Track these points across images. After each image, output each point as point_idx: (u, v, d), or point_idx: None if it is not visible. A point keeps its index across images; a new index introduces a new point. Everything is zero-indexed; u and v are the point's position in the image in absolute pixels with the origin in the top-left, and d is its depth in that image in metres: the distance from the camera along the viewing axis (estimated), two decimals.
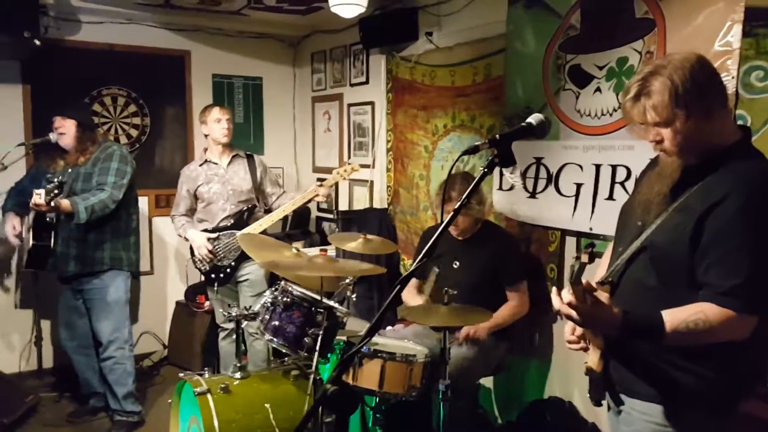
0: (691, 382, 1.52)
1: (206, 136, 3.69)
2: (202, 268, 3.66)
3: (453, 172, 2.85)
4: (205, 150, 3.75)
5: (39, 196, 2.98)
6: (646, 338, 1.51)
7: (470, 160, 3.43)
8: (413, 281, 3.12)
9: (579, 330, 1.69)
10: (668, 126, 1.49)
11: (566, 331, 1.72)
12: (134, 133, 4.60)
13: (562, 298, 1.48)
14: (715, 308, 1.44)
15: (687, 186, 1.53)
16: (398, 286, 1.45)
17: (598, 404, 1.73)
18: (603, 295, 1.52)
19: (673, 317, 1.45)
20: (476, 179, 1.49)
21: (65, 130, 3.38)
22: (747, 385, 1.60)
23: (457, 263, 2.96)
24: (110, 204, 3.26)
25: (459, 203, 1.48)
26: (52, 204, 2.99)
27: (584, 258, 1.42)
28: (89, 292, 3.42)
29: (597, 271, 1.81)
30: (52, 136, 3.44)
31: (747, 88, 2.21)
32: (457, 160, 1.66)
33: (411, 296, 3.08)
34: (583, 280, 1.48)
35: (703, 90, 1.47)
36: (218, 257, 3.59)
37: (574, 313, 1.46)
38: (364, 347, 2.41)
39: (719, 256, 1.45)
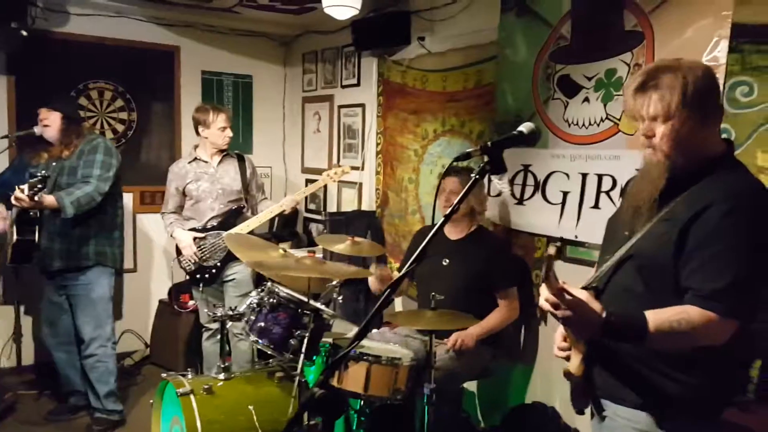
0: (675, 390, 1.54)
1: (201, 135, 3.64)
2: (188, 267, 3.63)
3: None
4: (195, 147, 3.73)
5: (21, 191, 2.93)
6: (629, 338, 1.51)
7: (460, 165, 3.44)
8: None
9: (565, 343, 1.70)
10: (666, 121, 1.51)
11: (556, 338, 1.74)
12: (120, 128, 4.56)
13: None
14: (697, 310, 1.46)
15: (673, 195, 1.56)
16: (387, 291, 1.46)
17: (581, 412, 1.75)
18: (582, 294, 1.53)
19: (656, 317, 1.47)
20: (468, 185, 1.50)
21: (50, 123, 3.33)
22: (731, 392, 1.63)
23: (447, 261, 2.97)
24: (97, 197, 3.22)
25: (452, 207, 1.49)
26: (36, 199, 2.95)
27: (551, 251, 1.42)
28: (73, 288, 3.38)
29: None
30: (37, 129, 3.40)
31: (732, 103, 2.25)
32: (449, 166, 1.67)
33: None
34: (560, 280, 1.49)
35: (706, 97, 1.51)
36: (204, 258, 3.57)
37: (553, 309, 1.48)
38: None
39: (702, 260, 1.47)
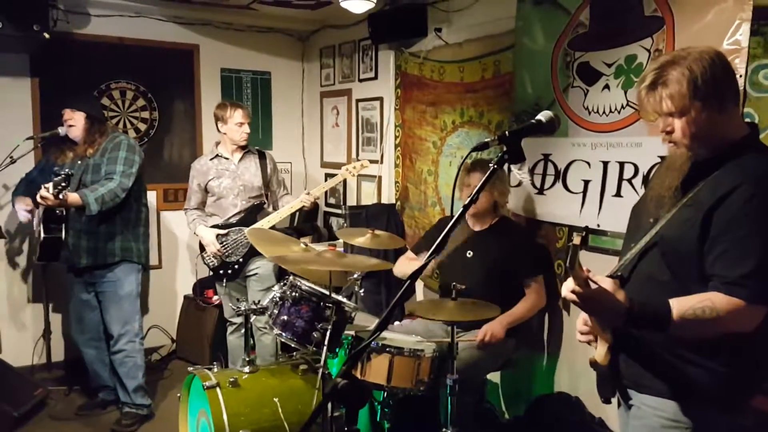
0: (702, 378, 1.53)
1: (222, 132, 3.69)
2: (211, 264, 3.69)
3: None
4: (217, 144, 3.77)
5: (46, 190, 2.99)
6: (652, 326, 1.51)
7: (479, 156, 3.43)
8: (409, 254, 3.27)
9: (588, 323, 1.70)
10: (682, 116, 1.50)
11: (578, 322, 1.73)
12: (143, 127, 4.62)
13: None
14: (722, 297, 1.44)
15: (697, 181, 1.55)
16: (408, 281, 1.47)
17: (607, 401, 1.74)
18: (606, 281, 1.53)
19: (680, 304, 1.46)
20: (486, 175, 1.50)
21: (75, 123, 3.40)
22: (759, 380, 1.60)
23: (471, 252, 2.98)
24: (120, 193, 3.27)
25: (470, 198, 1.49)
26: (60, 197, 3.01)
27: (576, 240, 1.42)
28: (101, 285, 3.45)
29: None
30: (61, 129, 3.47)
31: (755, 87, 2.22)
32: (467, 156, 1.67)
33: (406, 263, 3.16)
34: (585, 268, 1.49)
35: (719, 83, 1.49)
36: (227, 254, 3.61)
37: (577, 298, 1.48)
38: (373, 342, 2.43)
39: (727, 246, 1.46)
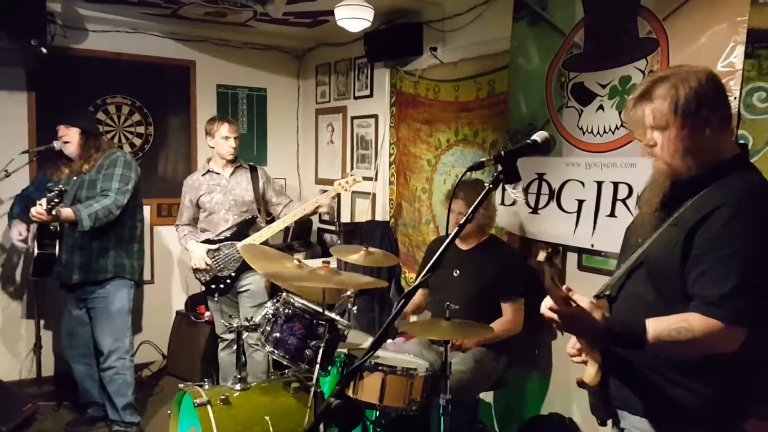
0: (689, 399, 1.52)
1: (210, 146, 3.71)
2: (202, 278, 3.67)
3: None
4: (209, 160, 3.78)
5: (39, 206, 2.98)
6: (628, 344, 1.52)
7: (473, 175, 3.43)
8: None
9: (579, 344, 1.70)
10: (663, 131, 1.52)
11: (568, 344, 1.73)
12: (138, 141, 4.62)
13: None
14: (699, 317, 1.43)
15: (683, 200, 1.55)
16: (403, 300, 1.46)
17: (603, 424, 1.73)
18: (583, 300, 1.53)
19: (656, 325, 1.46)
20: (481, 195, 1.50)
21: (69, 139, 3.39)
22: (748, 402, 1.58)
23: (458, 271, 2.97)
24: (114, 210, 3.26)
25: (465, 217, 1.49)
26: (53, 213, 2.99)
27: (540, 257, 1.44)
28: (93, 301, 3.42)
29: None
30: (56, 144, 3.46)
31: (749, 109, 2.23)
32: (462, 175, 1.68)
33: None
34: (565, 287, 1.50)
35: (704, 103, 1.50)
36: (218, 268, 3.60)
37: (555, 316, 1.49)
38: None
39: (707, 266, 1.45)
